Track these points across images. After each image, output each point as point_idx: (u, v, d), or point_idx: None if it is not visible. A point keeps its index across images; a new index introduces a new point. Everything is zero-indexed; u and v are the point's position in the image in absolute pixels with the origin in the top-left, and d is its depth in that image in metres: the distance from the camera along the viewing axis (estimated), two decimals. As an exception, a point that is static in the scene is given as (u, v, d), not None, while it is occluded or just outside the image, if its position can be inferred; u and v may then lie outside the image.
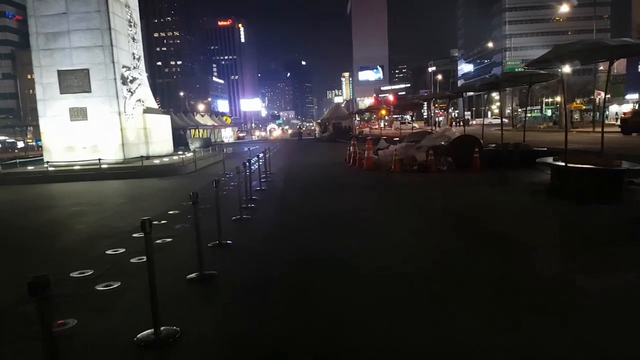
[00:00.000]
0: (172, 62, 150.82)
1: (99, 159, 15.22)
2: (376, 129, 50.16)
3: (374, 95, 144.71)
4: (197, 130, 42.81)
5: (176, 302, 3.61)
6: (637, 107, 41.88)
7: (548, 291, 3.63)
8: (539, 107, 67.56)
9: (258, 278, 4.23)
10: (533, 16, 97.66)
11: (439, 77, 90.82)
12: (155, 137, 19.32)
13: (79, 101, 16.48)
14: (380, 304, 3.49)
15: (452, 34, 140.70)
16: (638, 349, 2.73)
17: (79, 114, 16.48)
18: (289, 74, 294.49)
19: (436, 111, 63.45)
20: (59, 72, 16.37)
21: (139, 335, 2.95)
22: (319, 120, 58.11)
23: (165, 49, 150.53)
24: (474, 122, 61.89)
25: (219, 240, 5.26)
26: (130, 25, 18.58)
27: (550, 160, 8.08)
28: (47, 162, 16.07)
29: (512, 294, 3.59)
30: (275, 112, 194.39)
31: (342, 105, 76.17)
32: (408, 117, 67.53)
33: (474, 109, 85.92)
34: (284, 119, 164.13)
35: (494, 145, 13.63)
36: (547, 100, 65.62)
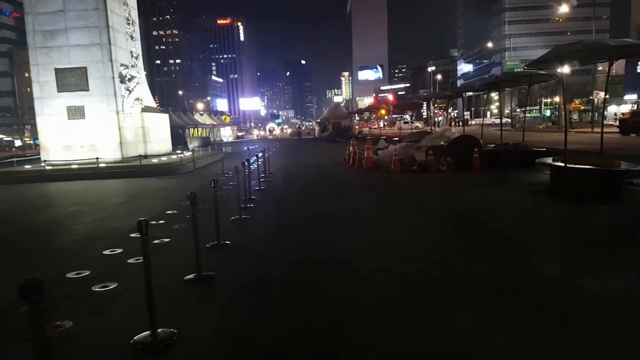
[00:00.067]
0: (171, 61, 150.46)
1: (97, 158, 15.16)
2: (375, 128, 50.16)
3: (374, 94, 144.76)
4: (196, 129, 42.68)
5: (174, 303, 3.58)
6: (635, 108, 41.99)
7: (548, 291, 3.63)
8: (537, 107, 67.65)
9: (257, 278, 4.21)
10: (532, 16, 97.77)
11: (439, 77, 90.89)
12: (153, 136, 19.26)
13: (77, 100, 16.40)
14: (380, 304, 3.48)
15: (451, 33, 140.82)
16: (638, 349, 2.72)
17: (76, 112, 16.41)
18: (288, 73, 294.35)
19: (435, 111, 63.50)
20: (56, 70, 16.29)
21: (135, 338, 2.92)
22: (319, 120, 58.04)
23: (164, 47, 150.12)
24: (473, 122, 61.99)
25: (218, 240, 5.22)
26: (129, 23, 18.50)
27: (549, 160, 8.06)
28: (45, 160, 15.99)
29: (512, 294, 3.59)
30: (275, 111, 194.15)
31: (342, 104, 76.18)
32: (407, 117, 67.56)
33: (473, 109, 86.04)
34: (283, 118, 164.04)
35: (493, 145, 13.62)
36: (545, 100, 65.71)
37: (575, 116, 48.92)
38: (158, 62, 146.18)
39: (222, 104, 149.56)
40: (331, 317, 3.25)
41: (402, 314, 3.27)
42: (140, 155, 16.37)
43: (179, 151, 21.04)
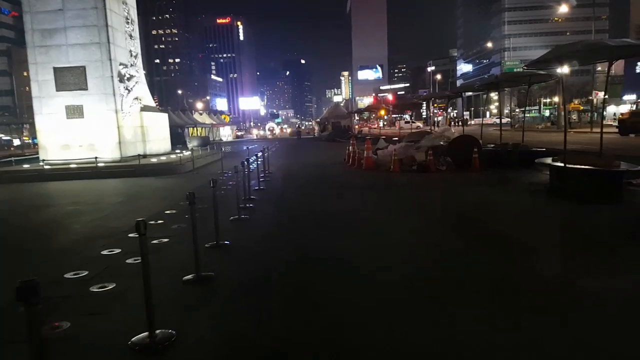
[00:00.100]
0: (171, 60, 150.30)
1: (96, 157, 15.12)
2: (375, 128, 50.15)
3: (373, 94, 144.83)
4: (195, 128, 42.61)
5: (172, 304, 3.56)
6: (634, 108, 42.04)
7: (548, 291, 3.62)
8: (537, 107, 67.73)
9: (256, 278, 4.19)
10: (532, 16, 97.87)
11: (438, 76, 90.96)
12: (152, 135, 19.22)
13: (75, 99, 16.36)
14: (380, 304, 3.47)
15: (451, 33, 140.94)
16: (638, 349, 2.72)
17: (75, 111, 16.37)
18: (288, 73, 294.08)
19: (435, 111, 63.49)
20: (54, 69, 16.25)
21: (133, 339, 2.90)
22: (318, 120, 58.04)
23: (163, 46, 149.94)
24: (472, 122, 62.01)
25: (217, 240, 5.20)
26: (128, 23, 18.46)
27: (549, 160, 8.05)
28: (43, 160, 15.95)
29: (512, 294, 3.59)
30: (274, 110, 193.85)
31: (341, 104, 76.17)
32: (407, 116, 67.59)
33: (472, 109, 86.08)
34: (283, 117, 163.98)
35: (492, 145, 13.61)
36: (545, 100, 65.79)
37: (574, 116, 48.97)
38: (157, 61, 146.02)
39: (221, 104, 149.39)
40: (331, 317, 3.25)
41: (402, 314, 3.27)
42: (139, 155, 16.35)
43: (178, 151, 21.01)
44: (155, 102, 26.07)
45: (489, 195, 8.41)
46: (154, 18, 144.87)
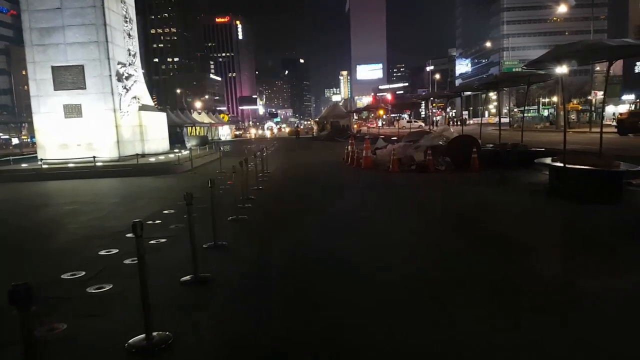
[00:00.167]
0: (169, 59, 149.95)
1: (94, 157, 15.07)
2: (374, 128, 50.15)
3: (372, 94, 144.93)
4: (193, 127, 42.54)
5: (169, 305, 3.54)
6: (633, 108, 42.11)
7: (548, 291, 3.62)
8: (535, 107, 67.80)
9: (255, 279, 4.18)
10: (531, 16, 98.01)
11: (437, 76, 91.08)
12: (151, 134, 19.17)
13: (74, 98, 16.30)
14: (380, 304, 3.46)
15: (450, 33, 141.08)
16: (638, 349, 2.72)
17: (73, 110, 16.31)
18: (286, 72, 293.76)
19: (434, 110, 63.55)
20: (53, 68, 16.18)
21: (130, 341, 2.87)
22: (317, 119, 58.02)
23: (162, 45, 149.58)
24: (470, 121, 62.04)
25: (215, 241, 5.17)
26: (126, 21, 18.39)
27: (548, 160, 8.04)
28: (41, 159, 15.89)
29: (512, 294, 3.58)
30: (273, 110, 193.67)
31: (340, 103, 76.18)
32: (405, 116, 67.62)
33: (471, 108, 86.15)
34: (282, 117, 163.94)
35: (492, 145, 13.60)
36: (543, 100, 65.86)
37: (573, 116, 49.03)
38: (156, 60, 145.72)
39: (220, 103, 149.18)
40: (331, 317, 3.24)
41: (402, 314, 3.26)
42: (137, 154, 16.30)
43: (176, 150, 20.96)
44: (154, 101, 26.01)
45: (488, 195, 8.40)
46: (153, 17, 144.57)
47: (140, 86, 19.01)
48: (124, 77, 17.41)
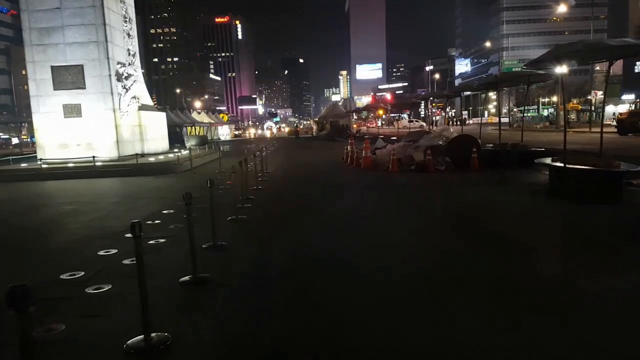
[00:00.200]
0: (169, 59, 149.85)
1: (93, 157, 15.05)
2: (373, 127, 50.12)
3: (372, 93, 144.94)
4: (193, 127, 42.51)
5: (168, 306, 3.53)
6: (633, 108, 42.12)
7: (548, 291, 3.62)
8: (535, 106, 67.82)
9: (254, 279, 4.17)
10: (530, 16, 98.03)
11: (437, 76, 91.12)
12: (150, 134, 19.15)
13: (73, 98, 16.29)
14: (380, 304, 3.46)
15: (450, 33, 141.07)
16: (638, 349, 2.71)
17: (72, 110, 16.29)
18: (286, 72, 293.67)
19: (433, 110, 63.56)
20: (52, 68, 16.17)
21: (128, 342, 2.85)
22: (317, 119, 58.01)
23: (161, 45, 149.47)
24: (470, 121, 62.04)
25: (214, 241, 5.16)
26: (126, 21, 18.37)
27: (548, 160, 8.03)
28: (41, 159, 15.88)
29: (512, 294, 3.58)
30: (273, 109, 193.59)
31: (340, 103, 76.18)
32: (405, 115, 67.63)
33: (470, 108, 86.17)
34: (281, 116, 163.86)
35: (491, 145, 13.59)
36: (543, 100, 65.87)
37: (572, 116, 49.07)
38: (155, 60, 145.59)
39: (220, 102, 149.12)
40: (331, 317, 3.23)
41: (402, 314, 3.26)
42: (136, 154, 16.28)
43: (176, 150, 20.94)
44: (154, 101, 25.99)
45: (488, 195, 8.39)
46: (152, 17, 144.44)
47: (139, 86, 18.99)
48: (123, 76, 17.39)
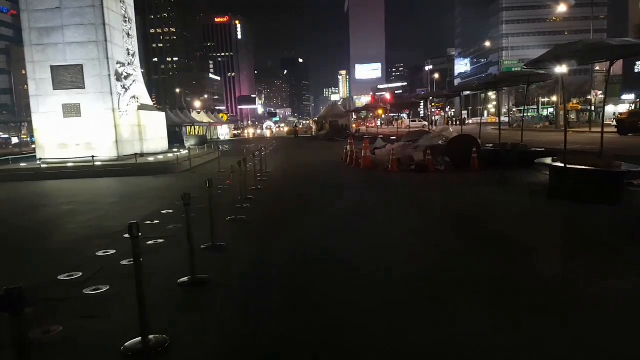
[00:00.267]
0: (169, 59, 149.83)
1: (93, 156, 15.04)
2: (373, 127, 50.10)
3: (371, 93, 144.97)
4: (192, 127, 42.47)
5: (166, 307, 3.51)
6: (633, 108, 42.13)
7: (548, 291, 3.61)
8: (535, 106, 67.82)
9: (254, 279, 4.16)
10: (530, 16, 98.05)
11: (436, 76, 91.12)
12: (150, 134, 19.14)
13: (73, 97, 16.27)
14: (380, 304, 3.45)
15: (449, 33, 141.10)
16: (638, 349, 2.71)
17: (72, 110, 16.28)
18: (285, 72, 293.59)
19: (432, 110, 63.55)
20: (52, 67, 16.16)
21: (126, 344, 2.83)
22: (316, 119, 57.99)
23: (161, 45, 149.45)
24: (470, 121, 62.05)
25: (213, 242, 5.14)
26: (125, 21, 18.36)
27: (548, 161, 8.01)
28: (40, 159, 15.87)
29: (512, 294, 3.57)
30: (272, 109, 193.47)
31: (339, 103, 76.19)
32: (405, 115, 67.63)
33: (470, 108, 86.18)
34: (281, 116, 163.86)
35: (491, 145, 13.57)
36: (543, 100, 65.88)
37: (572, 116, 49.08)
38: (155, 59, 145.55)
39: (219, 102, 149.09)
40: (331, 317, 3.23)
41: (402, 314, 3.25)
42: (136, 154, 16.27)
43: (175, 150, 20.93)
44: (153, 101, 25.97)
45: (488, 196, 8.38)
46: (152, 16, 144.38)
47: (139, 86, 18.98)
48: (123, 76, 17.37)
